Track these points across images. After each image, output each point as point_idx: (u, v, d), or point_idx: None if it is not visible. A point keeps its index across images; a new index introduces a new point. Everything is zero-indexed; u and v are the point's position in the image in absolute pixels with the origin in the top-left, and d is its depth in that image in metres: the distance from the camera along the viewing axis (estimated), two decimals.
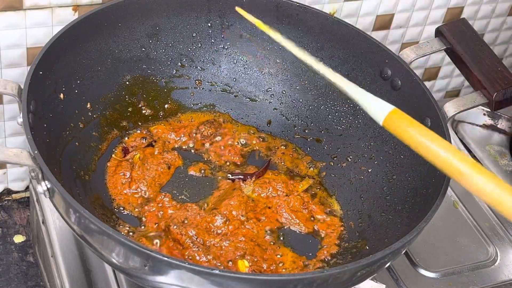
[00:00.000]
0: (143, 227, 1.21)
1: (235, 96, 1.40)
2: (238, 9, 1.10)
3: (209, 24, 1.36)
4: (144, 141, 1.33)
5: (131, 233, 1.19)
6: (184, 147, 1.35)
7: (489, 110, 1.64)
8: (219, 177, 1.32)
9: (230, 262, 1.17)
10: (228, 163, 1.34)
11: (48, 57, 1.15)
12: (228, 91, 1.40)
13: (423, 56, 1.31)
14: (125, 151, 1.30)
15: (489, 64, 1.27)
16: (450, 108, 1.23)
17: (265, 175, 1.32)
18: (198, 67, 1.38)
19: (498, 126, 1.66)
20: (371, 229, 1.23)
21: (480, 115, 1.67)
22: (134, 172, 1.26)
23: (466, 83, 1.87)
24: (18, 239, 1.48)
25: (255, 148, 1.38)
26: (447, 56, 1.35)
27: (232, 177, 1.31)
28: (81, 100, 1.25)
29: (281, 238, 1.24)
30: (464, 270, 1.35)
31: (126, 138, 1.33)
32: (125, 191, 1.25)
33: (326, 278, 0.99)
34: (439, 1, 1.65)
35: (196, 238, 1.18)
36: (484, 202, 1.21)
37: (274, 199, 1.28)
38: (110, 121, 1.30)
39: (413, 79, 1.26)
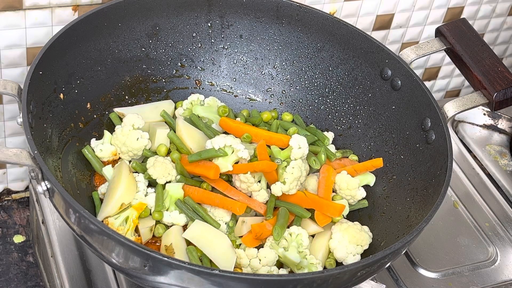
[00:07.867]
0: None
1: (235, 96, 1.40)
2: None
3: (209, 24, 1.36)
4: None
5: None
6: None
7: (489, 110, 1.64)
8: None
9: None
10: None
11: (48, 57, 1.15)
12: (228, 91, 1.40)
13: (423, 56, 1.31)
14: None
15: (489, 64, 1.27)
16: (450, 108, 1.23)
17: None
18: (198, 67, 1.38)
19: (498, 126, 1.66)
20: (371, 229, 1.22)
21: (480, 115, 1.67)
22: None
23: (466, 83, 1.87)
24: (18, 239, 1.48)
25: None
26: (447, 56, 1.35)
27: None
28: (81, 100, 1.25)
29: None
30: (464, 270, 1.35)
31: None
32: None
33: (326, 278, 0.99)
34: (439, 1, 1.65)
35: None
36: None
37: None
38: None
39: (413, 79, 1.26)
